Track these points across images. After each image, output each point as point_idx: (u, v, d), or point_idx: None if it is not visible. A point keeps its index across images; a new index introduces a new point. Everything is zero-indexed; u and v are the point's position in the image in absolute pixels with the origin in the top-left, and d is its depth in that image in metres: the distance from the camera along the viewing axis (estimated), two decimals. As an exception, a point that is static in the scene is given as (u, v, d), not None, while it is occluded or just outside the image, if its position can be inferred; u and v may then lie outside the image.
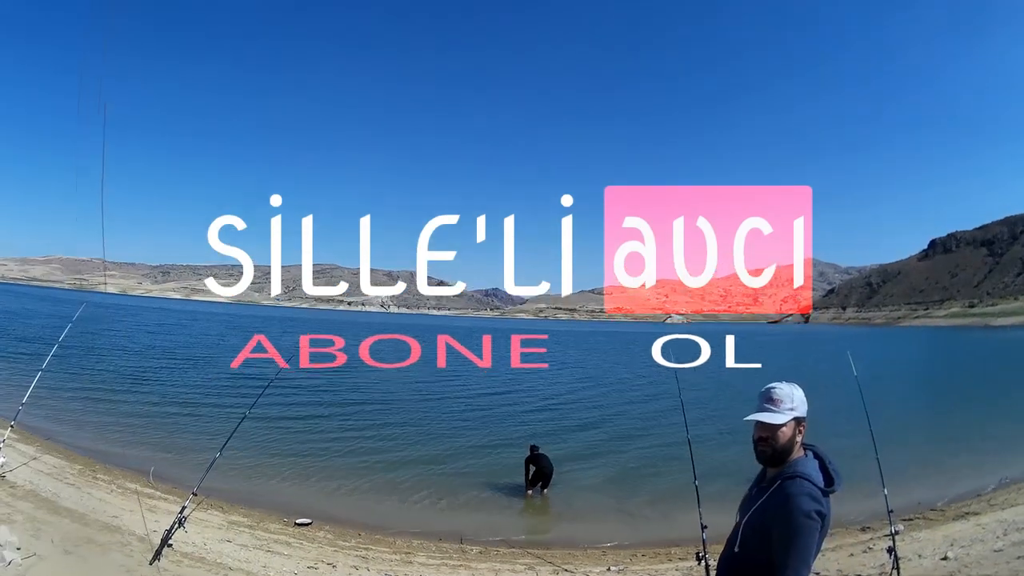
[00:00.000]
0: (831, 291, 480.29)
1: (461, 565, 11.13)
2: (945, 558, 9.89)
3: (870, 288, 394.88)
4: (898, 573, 8.90)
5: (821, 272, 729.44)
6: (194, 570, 8.76)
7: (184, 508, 8.42)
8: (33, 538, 9.02)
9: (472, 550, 12.14)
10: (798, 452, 3.73)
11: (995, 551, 10.06)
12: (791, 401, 3.68)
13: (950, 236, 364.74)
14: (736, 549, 3.83)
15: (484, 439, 22.72)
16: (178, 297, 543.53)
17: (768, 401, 3.74)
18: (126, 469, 15.76)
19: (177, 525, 8.37)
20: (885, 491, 9.38)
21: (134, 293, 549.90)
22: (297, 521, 12.96)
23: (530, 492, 16.13)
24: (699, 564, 8.42)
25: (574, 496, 16.30)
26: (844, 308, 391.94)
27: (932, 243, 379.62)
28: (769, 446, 3.71)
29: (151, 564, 8.47)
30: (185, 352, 47.90)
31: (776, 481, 3.68)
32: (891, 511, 9.23)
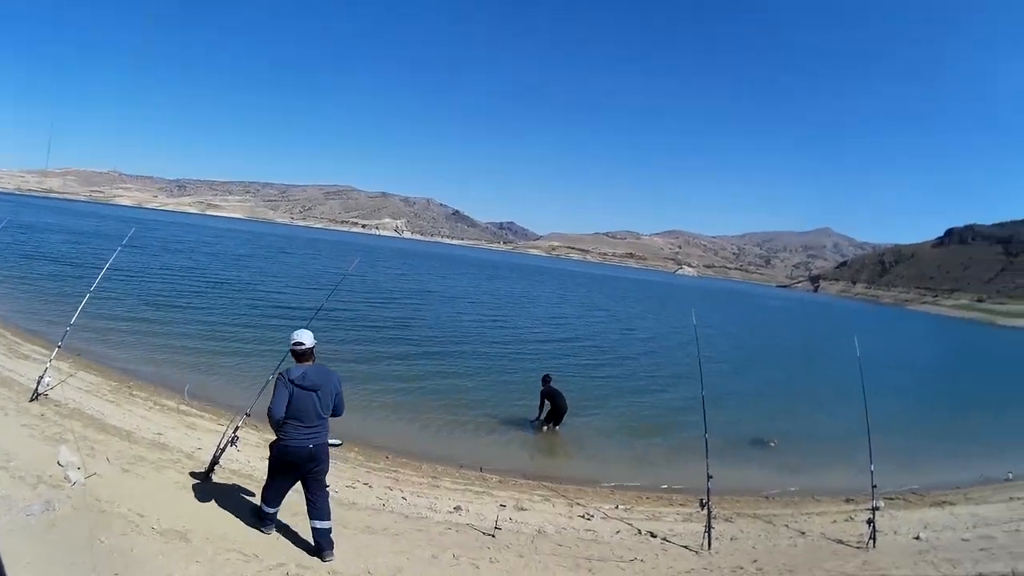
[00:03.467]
0: (843, 264, 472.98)
1: (484, 492, 11.80)
2: (917, 538, 10.46)
3: (882, 266, 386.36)
4: (874, 544, 9.68)
5: (836, 243, 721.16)
6: (248, 484, 9.31)
7: (237, 428, 9.09)
8: (89, 457, 9.46)
9: (492, 478, 12.84)
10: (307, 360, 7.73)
11: (963, 540, 10.65)
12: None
13: (967, 228, 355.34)
14: None
15: (507, 373, 23.54)
16: (194, 212, 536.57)
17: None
18: (160, 386, 16.19)
19: (229, 444, 9.04)
20: (872, 467, 10.10)
21: (149, 206, 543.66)
22: (329, 442, 13.49)
23: (544, 428, 16.81)
24: (702, 509, 9.35)
25: (586, 436, 17.04)
26: (854, 282, 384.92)
27: (948, 232, 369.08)
28: None
29: (204, 480, 9.17)
30: (220, 276, 46.96)
31: None
32: (875, 486, 9.96)
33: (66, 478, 8.34)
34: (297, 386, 7.39)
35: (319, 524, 7.58)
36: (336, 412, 7.91)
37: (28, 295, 27.14)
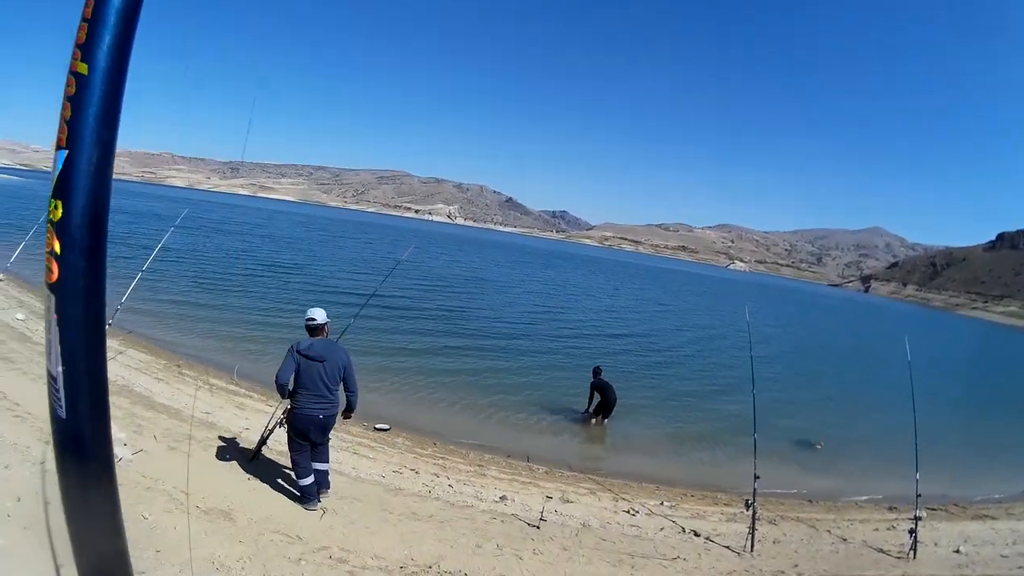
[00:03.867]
0: (895, 264, 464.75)
1: (530, 483, 11.77)
2: (957, 551, 10.26)
3: (933, 269, 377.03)
4: (915, 555, 9.50)
5: (887, 243, 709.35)
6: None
7: (287, 410, 9.14)
8: (136, 434, 9.56)
9: (539, 469, 12.81)
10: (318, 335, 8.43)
11: (1002, 556, 10.45)
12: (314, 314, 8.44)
13: (1019, 232, 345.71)
14: None
15: (559, 367, 23.42)
16: (246, 193, 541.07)
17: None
18: (210, 366, 16.26)
19: (278, 425, 9.10)
20: (918, 476, 9.89)
21: (202, 187, 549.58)
22: (376, 426, 13.59)
23: (593, 421, 16.74)
24: (747, 510, 9.28)
25: (633, 431, 16.90)
26: (905, 284, 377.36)
27: (1000, 236, 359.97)
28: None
29: (251, 461, 9.26)
30: (273, 258, 46.85)
31: None
32: (919, 496, 9.74)
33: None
34: (304, 356, 8.10)
35: (318, 466, 8.48)
36: (347, 387, 8.44)
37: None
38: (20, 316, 15.72)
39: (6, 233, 31.13)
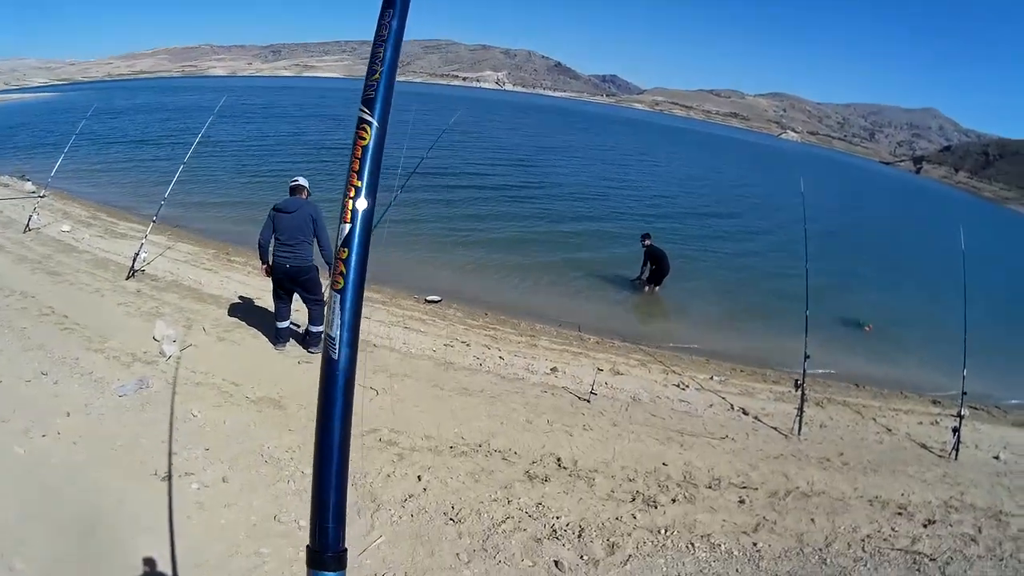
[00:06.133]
0: (947, 148, 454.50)
1: (581, 353, 11.72)
2: (997, 457, 9.88)
3: (986, 157, 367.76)
4: (956, 455, 9.27)
5: (941, 126, 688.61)
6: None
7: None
8: (186, 328, 9.71)
9: (590, 339, 12.76)
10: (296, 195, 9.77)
11: (1041, 469, 10.27)
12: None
13: None
14: None
15: (612, 229, 23.46)
16: (289, 75, 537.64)
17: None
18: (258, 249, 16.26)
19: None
20: (964, 372, 9.54)
21: (244, 74, 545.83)
22: (427, 298, 13.67)
23: (646, 289, 16.64)
24: (796, 391, 9.16)
25: (686, 301, 16.79)
26: (957, 170, 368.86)
27: None
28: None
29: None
30: (322, 140, 44.30)
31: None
32: (965, 393, 9.45)
33: (161, 352, 8.55)
34: (277, 211, 9.37)
35: (312, 328, 9.60)
36: (320, 241, 9.43)
37: (123, 176, 27.10)
38: (66, 228, 15.77)
39: (43, 149, 31.24)
